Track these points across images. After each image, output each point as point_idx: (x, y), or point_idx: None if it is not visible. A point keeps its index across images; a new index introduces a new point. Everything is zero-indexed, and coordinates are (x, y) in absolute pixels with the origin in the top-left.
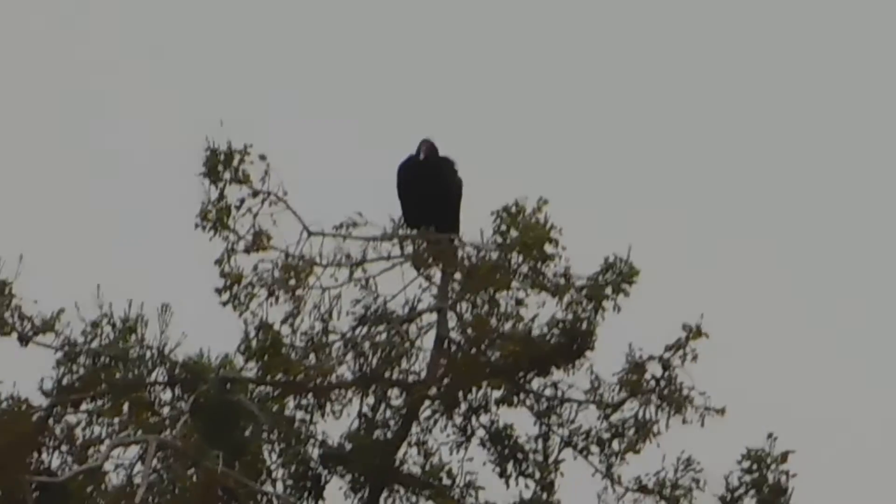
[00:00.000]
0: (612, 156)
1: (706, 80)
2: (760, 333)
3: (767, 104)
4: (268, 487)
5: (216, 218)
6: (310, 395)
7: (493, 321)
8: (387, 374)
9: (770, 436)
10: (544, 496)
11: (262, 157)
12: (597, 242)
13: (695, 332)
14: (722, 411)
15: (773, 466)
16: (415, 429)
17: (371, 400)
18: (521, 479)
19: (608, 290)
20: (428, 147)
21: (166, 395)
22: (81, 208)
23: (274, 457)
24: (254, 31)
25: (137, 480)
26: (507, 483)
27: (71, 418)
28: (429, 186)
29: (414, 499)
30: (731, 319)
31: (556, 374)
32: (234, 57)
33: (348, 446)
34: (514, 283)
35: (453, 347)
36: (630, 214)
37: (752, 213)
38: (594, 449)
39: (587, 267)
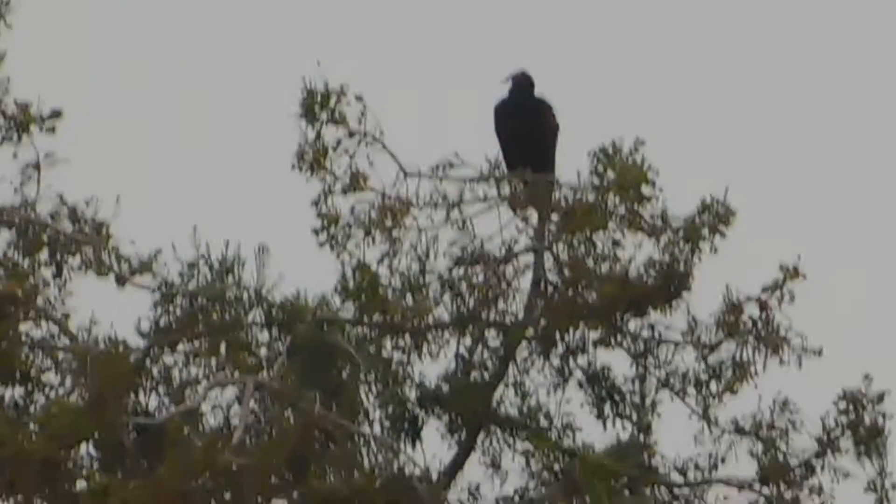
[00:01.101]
0: (712, 94)
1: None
2: (860, 270)
3: None
4: (365, 428)
5: (313, 159)
6: (407, 336)
7: (590, 262)
8: (484, 315)
9: (866, 376)
10: (641, 438)
11: (359, 98)
12: (694, 182)
13: (792, 273)
14: (819, 352)
15: (869, 407)
16: (512, 370)
17: (468, 341)
18: (618, 420)
19: (705, 232)
20: (526, 79)
21: (263, 336)
22: (177, 148)
23: (371, 398)
24: None
25: (234, 422)
26: (604, 424)
27: (168, 359)
28: (526, 126)
29: (511, 440)
30: (832, 256)
31: (653, 316)
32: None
33: (445, 388)
34: (611, 225)
35: (550, 289)
36: (729, 152)
37: (857, 145)
38: (691, 390)
39: (684, 207)
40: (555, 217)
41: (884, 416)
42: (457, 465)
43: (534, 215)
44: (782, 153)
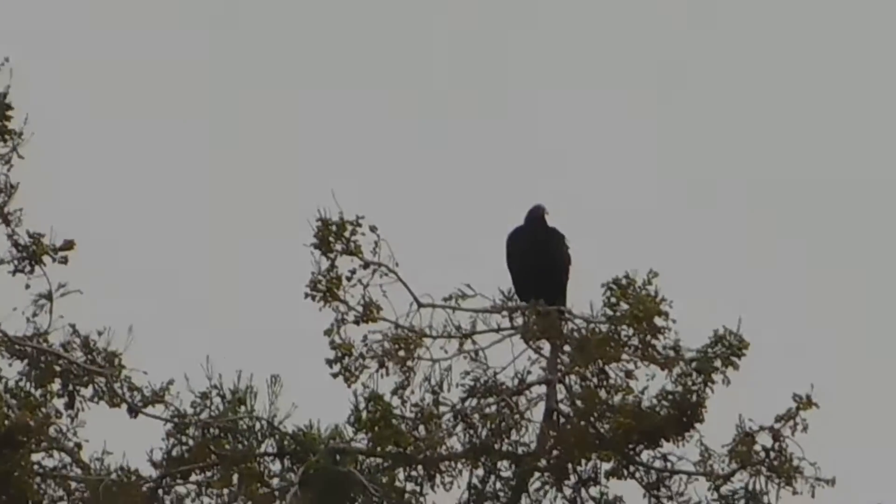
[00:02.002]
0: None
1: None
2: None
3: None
4: None
5: (326, 289)
6: (420, 467)
7: (603, 393)
8: (496, 446)
9: None
10: None
11: (373, 229)
12: (707, 312)
13: (805, 402)
14: (832, 482)
15: None
16: (524, 501)
17: (481, 471)
18: None
19: (717, 363)
20: (542, 212)
21: (276, 467)
22: (190, 275)
23: None
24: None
25: None
26: None
27: (181, 489)
28: (539, 258)
29: None
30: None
31: (666, 446)
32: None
33: None
34: (624, 356)
35: (563, 419)
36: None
37: (875, 273)
38: None
39: (697, 338)
40: (567, 348)
41: None
42: None
43: (546, 346)
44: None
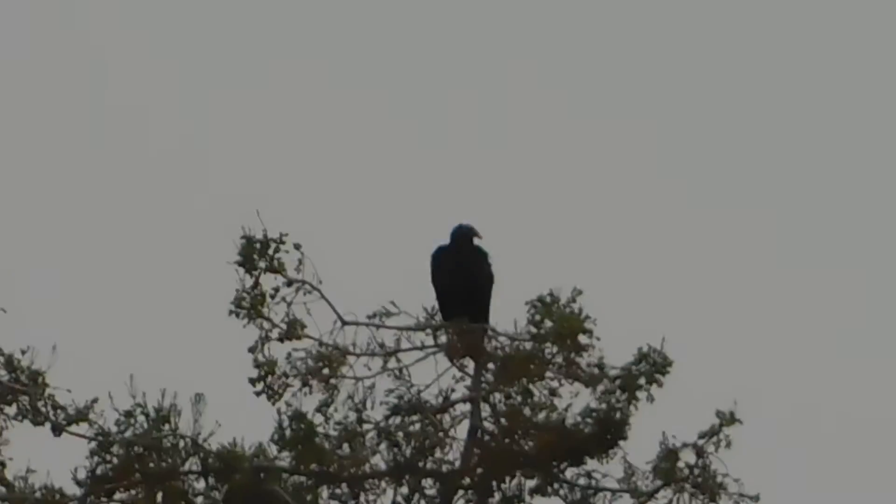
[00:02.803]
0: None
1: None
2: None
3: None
4: None
5: (250, 306)
6: (344, 485)
7: (527, 411)
8: (421, 464)
9: None
10: None
11: (297, 247)
12: (631, 328)
13: (729, 419)
14: (756, 498)
15: None
16: None
17: (405, 490)
18: None
19: (642, 381)
20: (468, 230)
21: (200, 485)
22: (114, 294)
23: None
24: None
25: None
26: None
27: None
28: (463, 276)
29: None
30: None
31: (590, 464)
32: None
33: None
34: (548, 374)
35: (487, 437)
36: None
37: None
38: None
39: (622, 355)
40: (491, 366)
41: None
42: None
43: (471, 364)
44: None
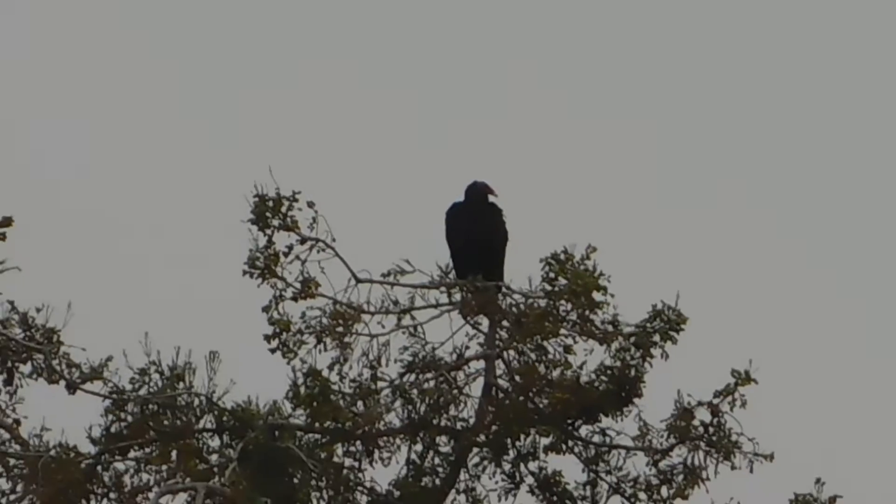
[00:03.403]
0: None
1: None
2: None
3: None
4: None
5: (264, 265)
6: (358, 443)
7: (541, 368)
8: (435, 421)
9: (818, 481)
10: None
11: (311, 204)
12: (647, 286)
13: (744, 378)
14: (770, 457)
15: None
16: (463, 476)
17: (419, 447)
18: None
19: (656, 338)
20: (483, 187)
21: (214, 443)
22: (129, 254)
23: None
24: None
25: None
26: None
27: (119, 466)
28: (479, 233)
29: None
30: (784, 359)
31: (605, 421)
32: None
33: (396, 493)
34: (563, 331)
35: (501, 394)
36: (683, 257)
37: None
38: (642, 496)
39: (636, 313)
40: (506, 323)
41: None
42: None
43: (485, 322)
44: (733, 259)
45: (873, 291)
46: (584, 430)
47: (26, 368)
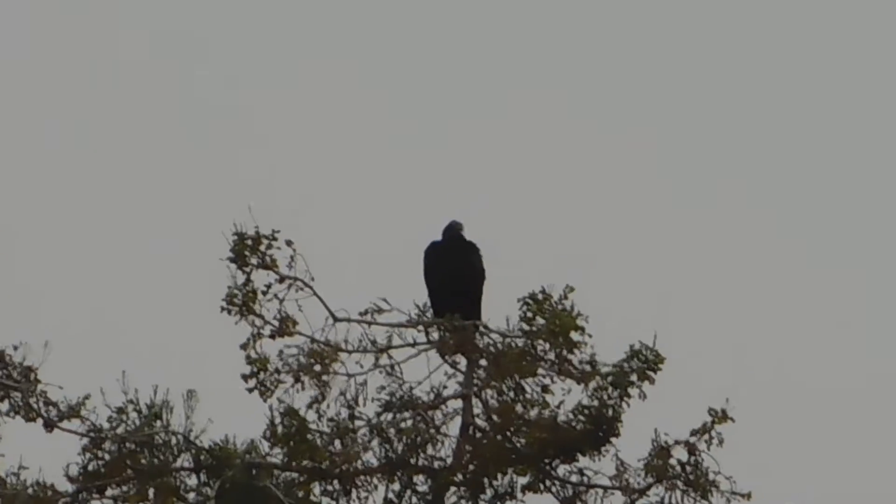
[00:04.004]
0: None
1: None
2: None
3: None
4: None
5: (242, 303)
6: (336, 481)
7: (519, 408)
8: (412, 461)
9: None
10: None
11: (289, 243)
12: (623, 325)
13: (720, 416)
14: (748, 496)
15: None
16: None
17: (397, 486)
18: None
19: (634, 378)
20: (459, 227)
21: (192, 481)
22: (107, 292)
23: None
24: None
25: None
26: None
27: None
28: (457, 271)
29: None
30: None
31: (582, 461)
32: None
33: None
34: (540, 370)
35: (479, 434)
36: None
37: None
38: None
39: (614, 352)
40: (483, 362)
41: None
42: None
43: (463, 361)
44: (710, 294)
45: (873, 293)
46: (561, 470)
47: (4, 406)
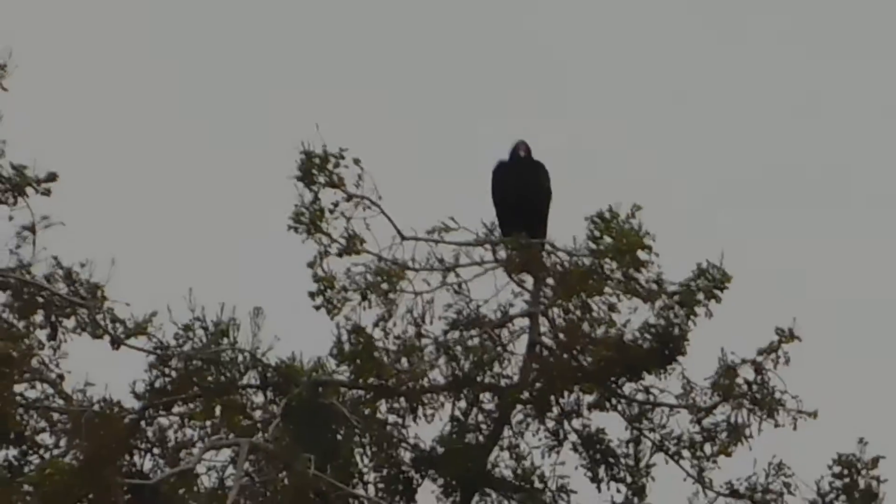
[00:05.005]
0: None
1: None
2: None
3: None
4: (360, 491)
5: (309, 221)
6: (402, 399)
7: (585, 326)
8: (479, 379)
9: (861, 440)
10: (636, 500)
11: (357, 162)
12: (691, 244)
13: (788, 336)
14: (814, 415)
15: (864, 471)
16: (507, 433)
17: (463, 404)
18: (612, 483)
19: (700, 297)
20: (526, 147)
21: (258, 399)
22: (173, 209)
23: (366, 460)
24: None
25: (229, 483)
26: (598, 487)
27: (163, 421)
28: (524, 189)
29: (506, 502)
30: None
31: (649, 379)
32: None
33: (440, 450)
34: (607, 289)
35: (545, 352)
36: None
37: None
38: (686, 453)
39: (681, 271)
40: (550, 281)
41: (878, 480)
42: None
43: (529, 279)
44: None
45: None
46: (627, 388)
47: (70, 323)
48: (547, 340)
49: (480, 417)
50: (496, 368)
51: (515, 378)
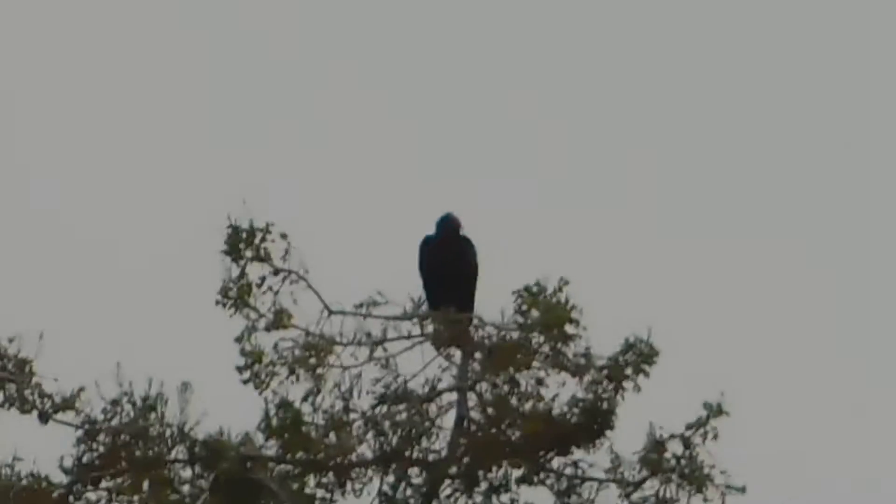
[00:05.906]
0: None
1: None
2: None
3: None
4: None
5: (237, 296)
6: (330, 474)
7: (514, 401)
8: (407, 453)
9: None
10: None
11: (284, 236)
12: (618, 316)
13: (716, 411)
14: (743, 489)
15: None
16: None
17: (391, 478)
18: None
19: (628, 371)
20: (455, 222)
21: (186, 473)
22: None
23: None
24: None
25: None
26: None
27: (91, 496)
28: (451, 267)
29: None
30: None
31: (577, 454)
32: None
33: None
34: (535, 363)
35: (473, 427)
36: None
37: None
38: None
39: (609, 345)
40: (478, 355)
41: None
42: None
43: (457, 354)
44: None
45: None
46: (556, 463)
47: None
48: (475, 415)
49: (409, 492)
50: (424, 443)
51: (444, 453)
